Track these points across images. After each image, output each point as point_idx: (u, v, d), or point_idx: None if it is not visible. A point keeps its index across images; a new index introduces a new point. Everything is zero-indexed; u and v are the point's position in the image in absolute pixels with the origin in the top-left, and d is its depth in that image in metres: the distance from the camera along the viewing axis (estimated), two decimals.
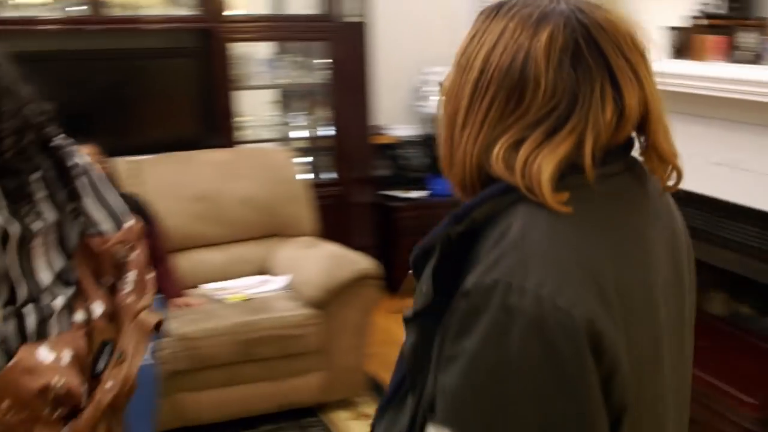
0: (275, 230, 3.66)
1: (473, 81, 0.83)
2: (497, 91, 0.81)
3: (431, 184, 4.78)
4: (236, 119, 4.03)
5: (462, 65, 0.86)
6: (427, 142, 4.88)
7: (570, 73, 0.79)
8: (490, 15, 0.85)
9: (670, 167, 0.87)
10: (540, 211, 0.77)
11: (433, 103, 5.02)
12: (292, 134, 4.43)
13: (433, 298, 0.80)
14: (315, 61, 4.33)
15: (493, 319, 0.73)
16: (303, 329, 3.16)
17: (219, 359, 3.02)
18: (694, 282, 0.95)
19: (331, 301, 3.22)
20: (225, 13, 3.86)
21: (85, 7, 3.62)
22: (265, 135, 4.29)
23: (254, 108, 4.29)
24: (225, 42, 3.87)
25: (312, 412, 3.23)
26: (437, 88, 0.93)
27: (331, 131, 4.34)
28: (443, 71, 0.91)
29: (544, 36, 0.79)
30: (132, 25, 3.83)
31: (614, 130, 0.80)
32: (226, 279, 3.41)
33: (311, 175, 4.22)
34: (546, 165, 0.77)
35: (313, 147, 4.49)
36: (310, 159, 4.39)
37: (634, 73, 0.80)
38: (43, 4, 3.71)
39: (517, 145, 0.80)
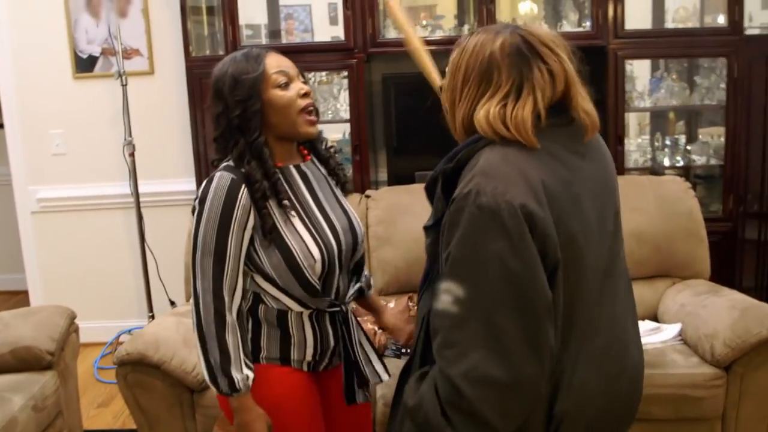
0: (666, 270, 3.26)
1: (462, 74, 1.38)
2: (476, 76, 1.36)
3: None
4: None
5: (455, 65, 1.40)
6: None
7: (517, 60, 1.33)
8: (469, 34, 1.43)
9: (591, 118, 1.39)
10: (496, 149, 1.30)
11: None
12: (666, 161, 3.98)
13: (441, 209, 1.33)
14: (700, 79, 3.86)
15: (470, 213, 1.23)
16: (704, 391, 2.72)
17: None
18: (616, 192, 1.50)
19: (739, 360, 2.75)
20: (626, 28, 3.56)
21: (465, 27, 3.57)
22: (635, 159, 3.94)
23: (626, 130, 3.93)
24: (623, 59, 3.56)
25: None
26: None
27: (715, 158, 3.85)
28: None
29: (498, 42, 1.35)
30: None
31: (551, 87, 1.33)
32: None
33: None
34: (526, 116, 1.31)
35: (688, 175, 4.00)
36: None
37: (555, 56, 1.34)
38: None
39: (498, 108, 1.33)
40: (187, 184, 4.10)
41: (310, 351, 1.80)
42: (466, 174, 1.28)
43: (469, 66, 1.36)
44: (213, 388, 1.69)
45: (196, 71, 3.74)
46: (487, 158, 1.28)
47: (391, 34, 3.78)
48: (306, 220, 1.75)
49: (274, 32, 4.07)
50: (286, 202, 1.71)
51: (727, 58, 3.64)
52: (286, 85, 1.73)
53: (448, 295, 1.24)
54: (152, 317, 4.10)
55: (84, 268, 4.35)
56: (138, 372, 2.48)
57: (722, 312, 2.88)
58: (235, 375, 1.65)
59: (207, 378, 1.67)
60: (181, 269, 3.25)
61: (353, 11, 3.61)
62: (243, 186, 1.66)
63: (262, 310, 1.76)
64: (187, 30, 3.75)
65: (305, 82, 1.77)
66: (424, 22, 3.87)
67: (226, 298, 1.65)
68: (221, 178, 1.66)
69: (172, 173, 4.22)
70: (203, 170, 3.85)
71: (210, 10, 3.98)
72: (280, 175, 1.74)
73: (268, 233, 1.68)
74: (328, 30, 4.08)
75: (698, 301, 3.03)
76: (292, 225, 1.72)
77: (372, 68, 3.85)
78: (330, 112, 3.88)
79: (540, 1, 3.91)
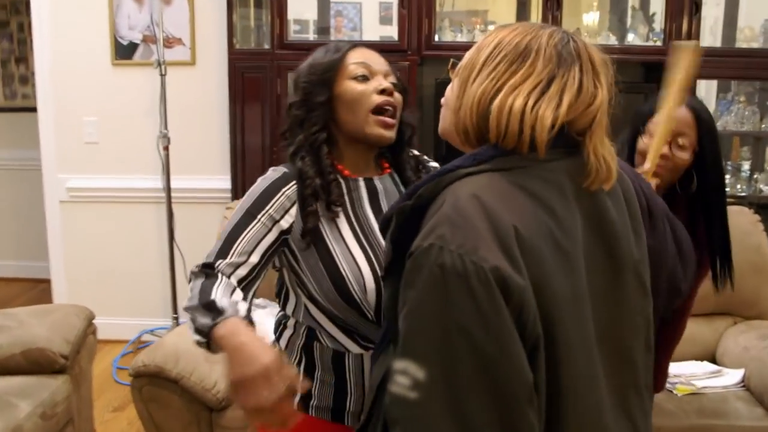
0: (727, 308, 3.03)
1: (486, 53, 1.12)
2: (505, 56, 1.10)
3: None
4: None
5: (478, 48, 1.15)
6: None
7: (558, 53, 1.10)
8: (504, 25, 1.18)
9: (604, 167, 1.10)
10: (467, 184, 1.04)
11: None
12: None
13: (391, 257, 1.09)
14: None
15: (429, 274, 0.98)
16: None
17: None
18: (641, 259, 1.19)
19: None
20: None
21: None
22: None
23: None
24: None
25: None
26: None
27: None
28: None
29: (547, 32, 1.13)
30: None
31: (572, 103, 1.08)
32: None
33: None
34: (548, 115, 1.06)
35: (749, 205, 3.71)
36: None
37: (595, 75, 1.12)
38: None
39: (525, 100, 1.07)
40: (221, 181, 3.94)
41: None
42: (429, 218, 1.03)
43: (502, 43, 1.11)
44: (195, 339, 1.36)
45: (239, 64, 3.58)
46: (456, 198, 1.02)
47: (446, 36, 3.58)
48: (358, 231, 1.53)
49: (323, 29, 3.90)
50: (337, 208, 1.52)
51: None
52: (364, 79, 1.52)
53: (404, 377, 0.98)
54: (176, 319, 3.96)
55: (109, 262, 4.21)
56: (154, 386, 2.31)
57: None
58: (218, 299, 1.35)
59: (191, 332, 1.36)
60: None
61: (409, 10, 3.42)
62: (292, 182, 1.50)
63: (317, 349, 1.54)
64: (232, 21, 3.60)
65: (396, 85, 1.55)
66: (477, 27, 3.67)
67: (225, 267, 1.44)
68: (274, 170, 1.53)
69: (207, 170, 4.06)
70: (239, 168, 3.69)
71: (258, 2, 3.83)
72: (342, 181, 1.55)
73: (309, 233, 1.48)
74: (377, 29, 3.91)
75: (765, 345, 2.79)
76: (338, 231, 1.51)
77: (424, 72, 3.65)
78: None
79: (606, 11, 3.68)
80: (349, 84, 1.51)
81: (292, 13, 3.60)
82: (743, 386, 2.71)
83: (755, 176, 3.74)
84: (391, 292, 1.09)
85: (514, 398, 0.97)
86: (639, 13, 3.54)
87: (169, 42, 3.90)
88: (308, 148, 1.51)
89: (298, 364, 1.55)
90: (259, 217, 1.48)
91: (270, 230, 1.49)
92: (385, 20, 3.94)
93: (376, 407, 1.16)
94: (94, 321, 2.70)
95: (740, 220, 3.16)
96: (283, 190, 1.49)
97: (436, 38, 3.50)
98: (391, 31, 3.81)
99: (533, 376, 0.99)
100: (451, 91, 1.19)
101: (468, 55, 1.16)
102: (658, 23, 3.44)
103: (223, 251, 1.46)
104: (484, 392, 0.96)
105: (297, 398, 1.49)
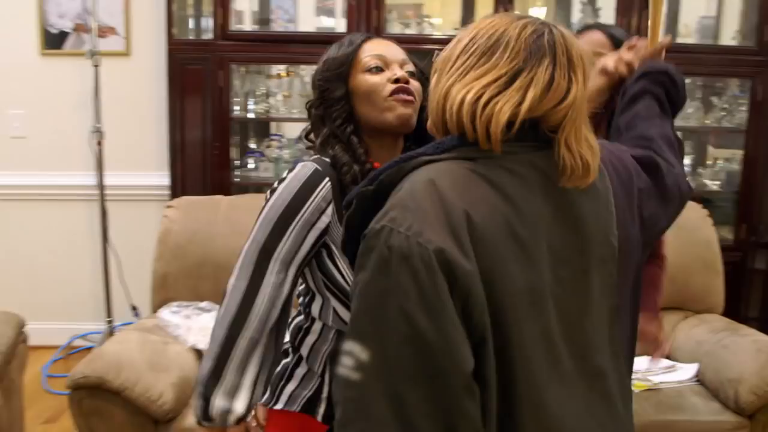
0: (679, 303, 3.06)
1: (462, 46, 1.11)
2: (476, 48, 1.09)
3: None
4: None
5: (458, 39, 1.13)
6: None
7: (530, 47, 1.06)
8: (487, 16, 1.16)
9: (580, 164, 1.08)
10: (426, 171, 1.04)
11: None
12: None
13: (344, 238, 1.11)
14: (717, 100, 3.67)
15: (379, 255, 0.98)
16: None
17: None
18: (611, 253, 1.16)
19: (764, 408, 2.52)
20: None
21: None
22: None
23: None
24: None
25: None
26: None
27: (728, 184, 3.65)
28: None
29: (520, 24, 1.09)
30: None
31: (539, 98, 1.05)
32: None
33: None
34: (503, 111, 1.04)
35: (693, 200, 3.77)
36: None
37: (572, 71, 1.08)
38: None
39: (477, 93, 1.06)
40: (159, 178, 3.76)
41: None
42: (387, 203, 1.04)
43: (476, 36, 1.10)
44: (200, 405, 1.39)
45: (179, 55, 3.41)
46: (412, 183, 1.03)
47: (395, 29, 3.49)
48: None
49: (263, 20, 3.76)
50: None
51: (752, 79, 3.42)
52: (378, 70, 1.48)
53: (350, 358, 0.98)
54: (110, 323, 3.77)
55: (38, 263, 3.99)
56: (95, 398, 2.15)
57: (747, 355, 2.66)
58: (215, 401, 1.35)
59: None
60: (146, 272, 2.96)
61: (358, 1, 3.31)
62: (326, 180, 1.42)
63: None
64: (171, 10, 3.41)
65: (413, 73, 1.51)
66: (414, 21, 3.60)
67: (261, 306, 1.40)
68: (303, 167, 1.44)
69: (143, 166, 3.87)
70: (179, 164, 3.52)
71: None
72: None
73: None
74: (314, 21, 3.81)
75: (717, 339, 2.81)
76: None
77: None
78: None
79: (552, 5, 3.66)
80: (363, 77, 1.47)
81: (233, 3, 3.45)
82: (697, 381, 2.73)
83: (699, 171, 3.78)
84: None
85: (451, 386, 0.96)
86: (588, 8, 3.53)
87: (103, 31, 3.69)
88: (337, 138, 1.46)
89: (321, 374, 1.47)
90: (293, 224, 1.40)
91: (305, 239, 1.41)
92: (322, 11, 3.83)
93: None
94: (24, 328, 2.51)
95: (690, 215, 3.14)
96: (318, 190, 1.41)
97: (387, 30, 3.41)
98: (329, 22, 3.71)
99: (480, 368, 0.98)
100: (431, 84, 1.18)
101: (447, 46, 1.15)
102: (607, 18, 3.42)
103: (257, 279, 1.39)
104: (421, 378, 0.95)
105: (322, 410, 1.47)
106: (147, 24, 3.73)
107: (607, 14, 3.47)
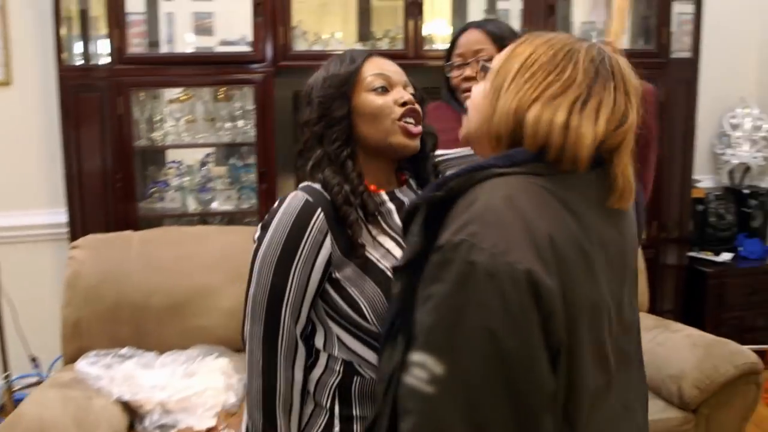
0: None
1: (520, 61, 1.11)
2: (543, 64, 1.09)
3: (742, 245, 4.22)
4: None
5: (510, 55, 1.14)
6: (734, 195, 4.25)
7: (597, 66, 1.09)
8: (535, 33, 1.17)
9: (628, 188, 1.11)
10: (501, 185, 1.03)
11: (743, 151, 4.32)
12: None
13: (422, 247, 1.06)
14: None
15: (459, 270, 0.97)
16: None
17: None
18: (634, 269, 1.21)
19: (707, 402, 2.59)
20: None
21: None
22: None
23: None
24: None
25: None
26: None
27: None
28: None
29: (585, 45, 1.12)
30: None
31: (607, 124, 1.07)
32: None
33: None
34: (590, 132, 1.06)
35: None
36: None
37: (626, 96, 1.10)
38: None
39: (567, 113, 1.06)
40: (53, 215, 3.46)
41: None
42: (459, 213, 1.03)
43: (536, 52, 1.11)
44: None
45: (71, 83, 3.14)
46: (489, 198, 1.02)
47: (301, 45, 3.37)
48: (397, 238, 1.42)
49: (153, 42, 3.54)
50: (378, 218, 1.41)
51: (654, 82, 3.54)
52: (383, 90, 1.43)
53: (422, 370, 0.99)
54: (8, 377, 3.41)
55: None
56: None
57: (684, 351, 2.73)
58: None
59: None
60: (45, 318, 2.76)
61: (264, 19, 3.17)
62: (318, 211, 1.35)
63: (356, 385, 1.37)
64: (59, 33, 3.14)
65: (414, 95, 1.47)
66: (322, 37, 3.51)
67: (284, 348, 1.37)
68: (294, 198, 1.37)
69: (33, 203, 3.55)
70: (77, 198, 3.24)
71: (83, 13, 3.38)
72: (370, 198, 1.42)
73: (358, 246, 1.35)
74: (193, 40, 3.64)
75: (651, 337, 2.87)
76: (373, 239, 1.39)
77: (278, 84, 3.39)
78: (227, 134, 3.42)
79: (449, 14, 3.66)
80: (367, 97, 1.43)
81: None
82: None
83: None
84: (404, 285, 1.10)
85: (532, 406, 0.97)
86: (488, 16, 3.55)
87: None
88: (329, 161, 1.40)
89: (331, 408, 1.38)
90: (295, 265, 1.34)
91: (311, 275, 1.34)
92: (200, 30, 3.66)
93: (387, 398, 1.14)
94: None
95: None
96: (312, 222, 1.35)
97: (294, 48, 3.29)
98: (208, 41, 3.55)
99: (554, 384, 0.99)
100: (482, 96, 1.17)
101: (498, 61, 1.16)
102: (511, 22, 3.45)
103: (274, 323, 1.35)
104: (502, 396, 0.96)
105: None
106: (30, 49, 3.43)
107: (515, 19, 3.51)
